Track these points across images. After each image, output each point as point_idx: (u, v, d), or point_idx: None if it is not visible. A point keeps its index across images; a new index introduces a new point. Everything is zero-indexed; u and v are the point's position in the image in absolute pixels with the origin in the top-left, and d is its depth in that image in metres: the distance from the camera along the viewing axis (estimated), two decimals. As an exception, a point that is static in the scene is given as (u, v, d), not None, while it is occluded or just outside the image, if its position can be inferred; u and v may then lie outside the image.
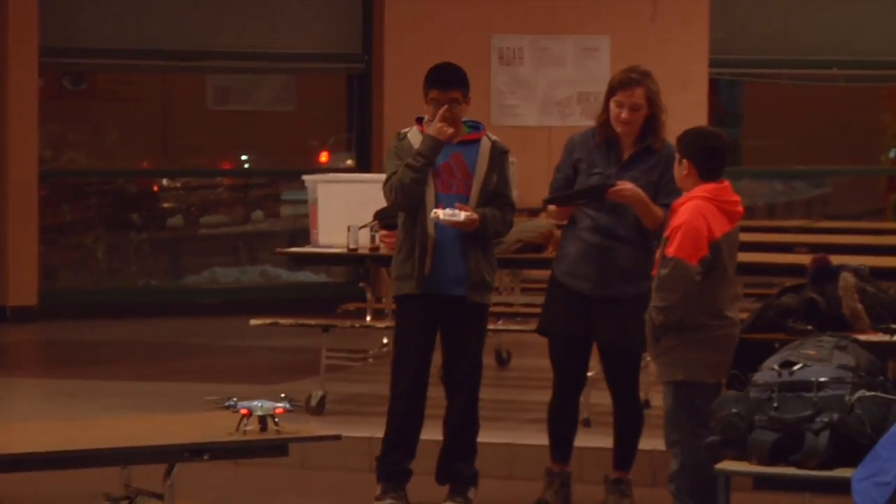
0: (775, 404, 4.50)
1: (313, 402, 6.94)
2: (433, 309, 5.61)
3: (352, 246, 6.92)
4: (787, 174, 11.59)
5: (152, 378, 8.17)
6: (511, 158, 5.79)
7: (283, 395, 4.69)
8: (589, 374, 5.82)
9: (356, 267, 8.93)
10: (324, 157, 11.32)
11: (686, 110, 9.32)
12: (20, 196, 10.25)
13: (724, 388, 4.88)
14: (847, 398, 4.46)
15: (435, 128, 5.50)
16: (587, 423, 6.23)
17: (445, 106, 5.49)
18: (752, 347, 5.06)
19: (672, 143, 5.22)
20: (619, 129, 5.49)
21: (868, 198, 11.80)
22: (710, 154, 4.96)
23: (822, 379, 4.50)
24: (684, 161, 4.98)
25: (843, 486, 4.30)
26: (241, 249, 11.34)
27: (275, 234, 11.05)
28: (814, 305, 5.34)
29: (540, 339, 5.75)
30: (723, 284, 4.94)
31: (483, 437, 5.74)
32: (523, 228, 6.64)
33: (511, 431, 6.49)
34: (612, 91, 5.49)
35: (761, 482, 4.75)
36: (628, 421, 5.63)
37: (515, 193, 6.07)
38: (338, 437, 4.87)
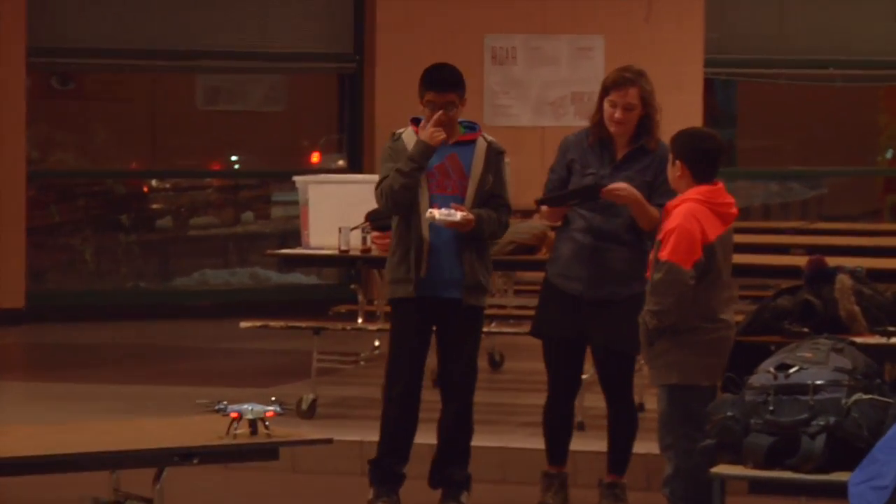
0: (771, 407, 4.49)
1: (304, 406, 6.91)
2: (428, 312, 5.59)
3: (343, 247, 6.88)
4: (782, 175, 11.58)
5: (141, 381, 8.14)
6: (505, 159, 5.75)
7: (273, 398, 4.68)
8: (583, 376, 5.78)
9: (348, 269, 8.91)
10: (315, 157, 11.29)
11: (681, 110, 9.30)
12: (7, 197, 10.20)
13: (720, 391, 4.85)
14: (843, 401, 4.46)
15: (427, 133, 5.46)
16: (581, 427, 6.21)
17: (441, 112, 5.46)
18: (747, 350, 5.05)
19: (666, 144, 5.18)
20: (612, 129, 5.47)
21: (865, 199, 11.80)
22: (703, 156, 4.94)
23: (818, 382, 4.50)
24: (678, 162, 4.96)
25: (839, 490, 4.29)
26: (231, 251, 11.31)
27: (265, 236, 11.02)
28: (810, 307, 5.32)
29: (533, 342, 5.73)
30: (717, 287, 4.92)
31: (476, 440, 5.72)
32: (517, 230, 6.61)
33: (504, 435, 6.46)
34: (605, 91, 5.47)
35: (757, 486, 4.74)
36: (622, 424, 5.61)
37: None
38: (329, 441, 4.84)
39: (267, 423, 4.51)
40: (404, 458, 5.62)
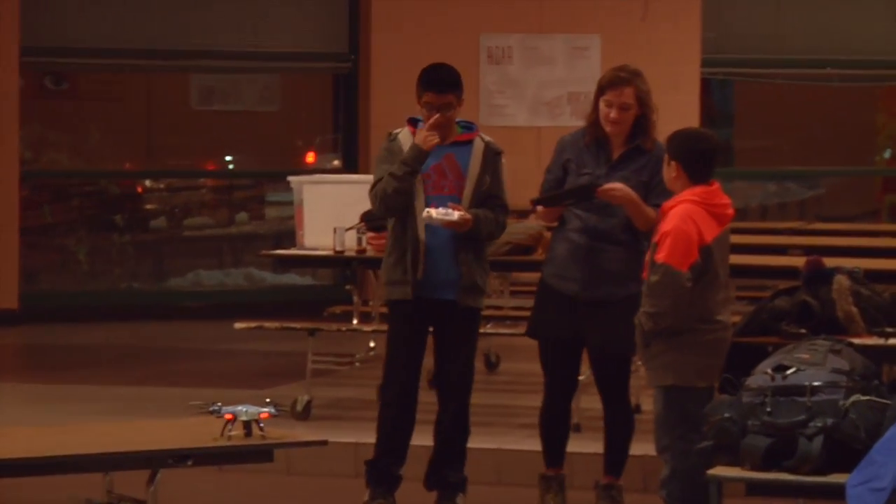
0: (768, 409, 4.48)
1: (299, 407, 6.89)
2: (425, 313, 5.57)
3: (338, 248, 6.87)
4: (780, 175, 11.57)
5: (135, 382, 8.12)
6: (502, 159, 5.73)
7: (268, 399, 4.67)
8: (580, 378, 5.76)
9: (343, 269, 8.89)
10: (310, 157, 11.27)
11: (677, 110, 9.27)
12: (0, 197, 10.17)
13: (717, 392, 4.83)
14: (841, 403, 4.45)
15: (421, 136, 5.43)
16: (577, 428, 6.19)
17: (437, 115, 5.43)
18: (744, 351, 5.04)
19: (663, 144, 5.16)
20: (608, 128, 5.45)
21: (862, 199, 11.80)
22: (699, 156, 4.92)
23: (815, 383, 4.49)
24: (673, 163, 4.94)
25: (837, 492, 4.29)
26: (226, 252, 11.29)
27: (260, 236, 11.00)
28: (807, 308, 5.31)
29: (529, 343, 5.71)
30: (713, 289, 4.90)
31: (471, 442, 5.71)
32: (513, 230, 6.59)
33: (500, 437, 6.45)
34: (601, 90, 5.46)
35: (754, 488, 4.73)
36: (619, 426, 5.59)
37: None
38: (324, 443, 4.83)
39: (261, 424, 4.50)
40: (401, 459, 5.61)
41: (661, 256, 4.82)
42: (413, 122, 5.62)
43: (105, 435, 4.80)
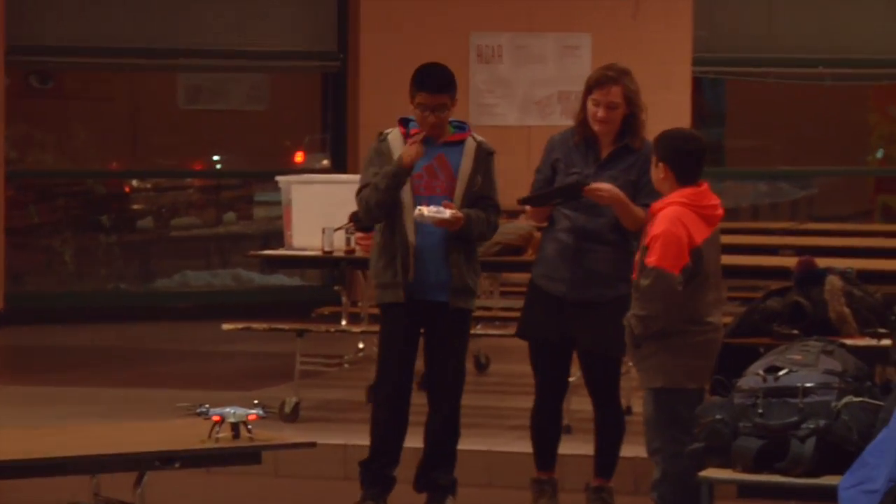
0: (760, 410, 4.47)
1: (287, 409, 6.86)
2: (416, 315, 5.55)
3: (327, 248, 6.84)
4: (772, 175, 11.57)
5: (122, 384, 8.09)
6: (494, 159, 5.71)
7: (256, 401, 4.65)
8: (570, 379, 5.73)
9: (331, 270, 8.84)
10: (299, 157, 11.23)
11: (669, 110, 9.26)
12: (-14, 197, 10.11)
13: (708, 393, 4.81)
14: (833, 404, 4.43)
15: (406, 150, 5.38)
16: (568, 430, 6.17)
17: (422, 134, 5.38)
18: (736, 352, 5.02)
19: (652, 143, 5.13)
20: (596, 127, 5.44)
21: (855, 199, 11.80)
22: (687, 157, 4.91)
23: (808, 384, 4.47)
24: (661, 164, 4.92)
25: (829, 494, 4.27)
26: (213, 252, 11.25)
27: (248, 237, 10.96)
28: (799, 309, 5.29)
29: (520, 344, 5.69)
30: (704, 290, 4.88)
31: (461, 444, 5.69)
32: (503, 230, 6.57)
33: (490, 438, 6.43)
34: (589, 89, 5.45)
35: (746, 490, 4.72)
36: (609, 428, 5.57)
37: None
38: (312, 445, 4.80)
39: (249, 426, 4.49)
40: (394, 461, 5.59)
41: (652, 260, 4.79)
42: (404, 123, 5.59)
43: (91, 437, 4.79)
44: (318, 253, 6.89)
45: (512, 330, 5.97)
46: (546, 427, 5.59)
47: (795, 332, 5.17)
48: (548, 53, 10.49)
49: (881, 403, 4.45)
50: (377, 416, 5.60)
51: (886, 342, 5.12)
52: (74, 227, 10.84)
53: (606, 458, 5.58)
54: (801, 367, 4.52)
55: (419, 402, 5.70)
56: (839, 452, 4.36)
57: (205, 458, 4.55)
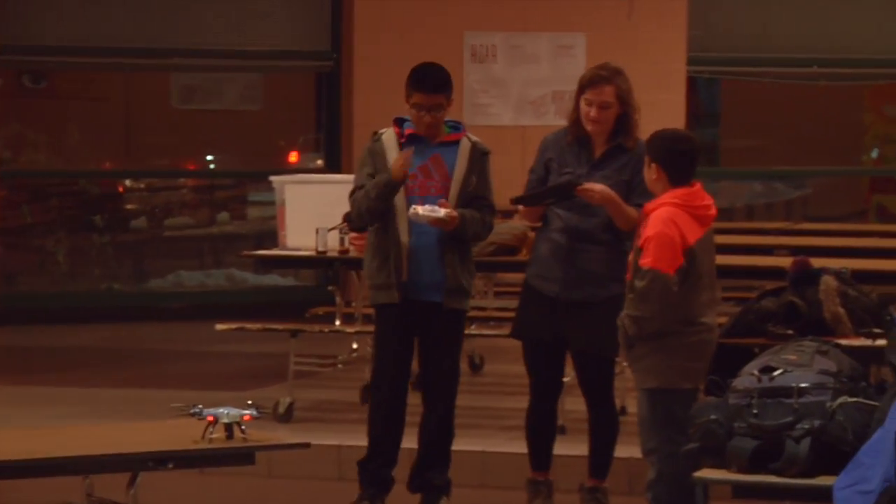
0: (755, 411, 4.46)
1: (281, 410, 6.85)
2: (410, 315, 5.54)
3: (321, 248, 6.83)
4: (766, 175, 11.56)
5: (115, 385, 8.08)
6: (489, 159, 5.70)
7: (250, 401, 4.64)
8: (564, 379, 5.73)
9: (325, 270, 8.85)
10: (293, 157, 11.22)
11: (664, 109, 9.26)
12: (-21, 198, 10.10)
13: (703, 393, 4.80)
14: (828, 404, 4.43)
15: (393, 165, 5.37)
16: (562, 430, 6.16)
17: (409, 152, 5.35)
18: (731, 352, 5.02)
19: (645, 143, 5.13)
20: (589, 127, 5.43)
21: (850, 199, 11.80)
22: (679, 158, 4.90)
23: (802, 385, 4.47)
24: (653, 165, 4.91)
25: (824, 495, 4.26)
26: (207, 252, 11.24)
27: (241, 237, 10.94)
28: (794, 309, 5.29)
29: (514, 344, 5.69)
30: (697, 291, 4.88)
31: (456, 444, 5.69)
32: (497, 230, 6.56)
33: (484, 439, 6.42)
34: (581, 89, 5.44)
35: (741, 491, 4.70)
36: (603, 428, 5.56)
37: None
38: (306, 446, 4.79)
39: (243, 426, 4.48)
40: (391, 461, 5.59)
41: (647, 262, 4.79)
42: (399, 123, 5.58)
43: (84, 437, 4.77)
44: (312, 253, 6.88)
45: (506, 330, 5.97)
46: (541, 427, 5.58)
47: (790, 332, 5.17)
48: (542, 53, 10.48)
49: (876, 404, 4.45)
50: (374, 416, 5.59)
51: (881, 342, 5.11)
52: (68, 227, 10.82)
53: (600, 458, 5.57)
54: (796, 367, 4.52)
55: (413, 402, 5.69)
56: (834, 453, 4.35)
57: (198, 459, 4.54)
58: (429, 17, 10.35)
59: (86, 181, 11.01)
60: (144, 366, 8.83)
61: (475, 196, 5.54)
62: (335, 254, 6.84)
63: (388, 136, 5.55)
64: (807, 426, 4.38)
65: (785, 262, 5.76)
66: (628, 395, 6.49)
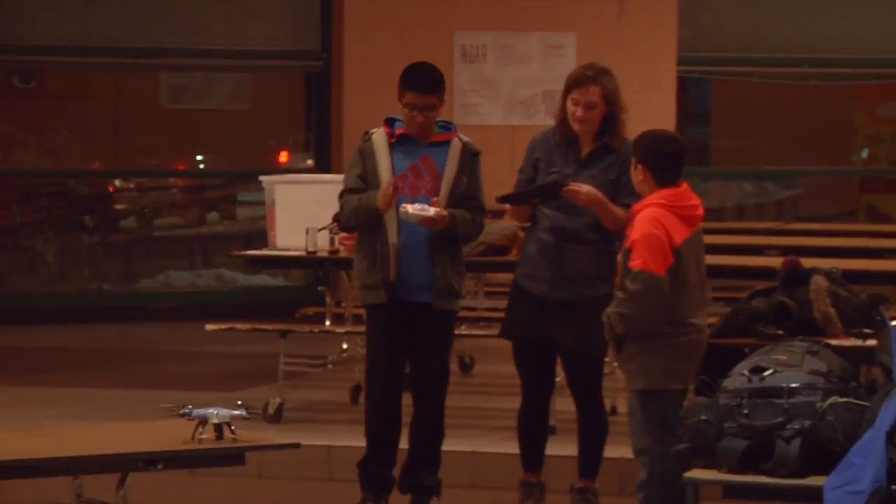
0: (745, 411, 4.45)
1: (271, 410, 6.84)
2: (400, 315, 5.53)
3: (311, 249, 6.82)
4: (757, 175, 11.57)
5: (104, 385, 8.06)
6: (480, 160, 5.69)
7: (239, 402, 4.63)
8: (556, 379, 5.72)
9: (315, 270, 8.84)
10: (283, 157, 11.21)
11: (654, 109, 9.27)
12: (-32, 198, 10.06)
13: (693, 394, 4.80)
14: (819, 405, 4.41)
15: (380, 198, 5.37)
16: (552, 431, 6.15)
17: (395, 180, 5.36)
18: (721, 353, 5.00)
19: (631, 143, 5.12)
20: (575, 127, 5.43)
21: (840, 199, 11.81)
22: (665, 159, 4.90)
23: (793, 385, 4.45)
24: (640, 166, 4.91)
25: (815, 495, 4.26)
26: (197, 252, 11.22)
27: (231, 237, 10.93)
28: (785, 309, 5.28)
29: (504, 344, 5.68)
30: (685, 291, 4.87)
31: (446, 444, 5.68)
32: (487, 230, 6.55)
33: (475, 439, 6.41)
34: (568, 89, 5.44)
35: (731, 491, 4.69)
36: (592, 428, 5.56)
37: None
38: (296, 446, 4.77)
39: (233, 427, 4.45)
40: (390, 461, 5.59)
41: (637, 263, 4.78)
42: (390, 123, 5.57)
43: (74, 438, 4.75)
44: (302, 253, 6.87)
45: (496, 330, 5.96)
46: (533, 428, 5.57)
47: (780, 332, 5.15)
48: (532, 53, 10.48)
49: (866, 404, 4.44)
50: (370, 418, 5.58)
51: (872, 342, 5.11)
52: (57, 228, 10.80)
53: (590, 458, 5.57)
54: (787, 367, 4.51)
55: (404, 402, 5.68)
56: (824, 453, 4.34)
57: (188, 460, 4.51)
58: (419, 17, 10.34)
59: (75, 181, 10.98)
60: (134, 366, 8.81)
61: (465, 196, 5.53)
62: (325, 254, 6.83)
63: (379, 136, 5.55)
64: (797, 426, 4.37)
65: (775, 262, 5.76)
66: (619, 395, 6.48)
